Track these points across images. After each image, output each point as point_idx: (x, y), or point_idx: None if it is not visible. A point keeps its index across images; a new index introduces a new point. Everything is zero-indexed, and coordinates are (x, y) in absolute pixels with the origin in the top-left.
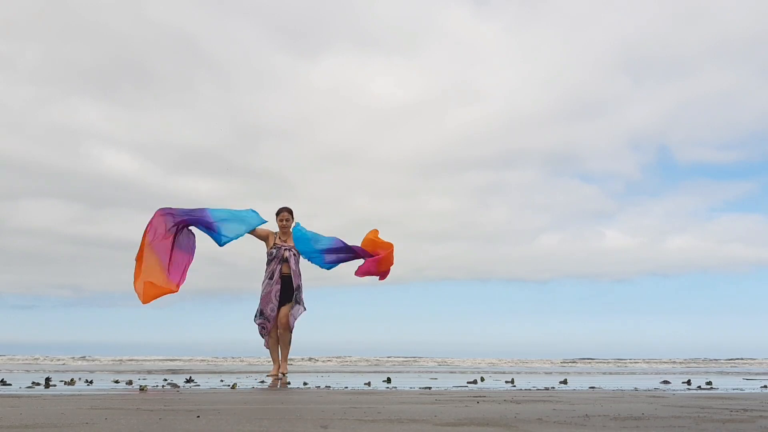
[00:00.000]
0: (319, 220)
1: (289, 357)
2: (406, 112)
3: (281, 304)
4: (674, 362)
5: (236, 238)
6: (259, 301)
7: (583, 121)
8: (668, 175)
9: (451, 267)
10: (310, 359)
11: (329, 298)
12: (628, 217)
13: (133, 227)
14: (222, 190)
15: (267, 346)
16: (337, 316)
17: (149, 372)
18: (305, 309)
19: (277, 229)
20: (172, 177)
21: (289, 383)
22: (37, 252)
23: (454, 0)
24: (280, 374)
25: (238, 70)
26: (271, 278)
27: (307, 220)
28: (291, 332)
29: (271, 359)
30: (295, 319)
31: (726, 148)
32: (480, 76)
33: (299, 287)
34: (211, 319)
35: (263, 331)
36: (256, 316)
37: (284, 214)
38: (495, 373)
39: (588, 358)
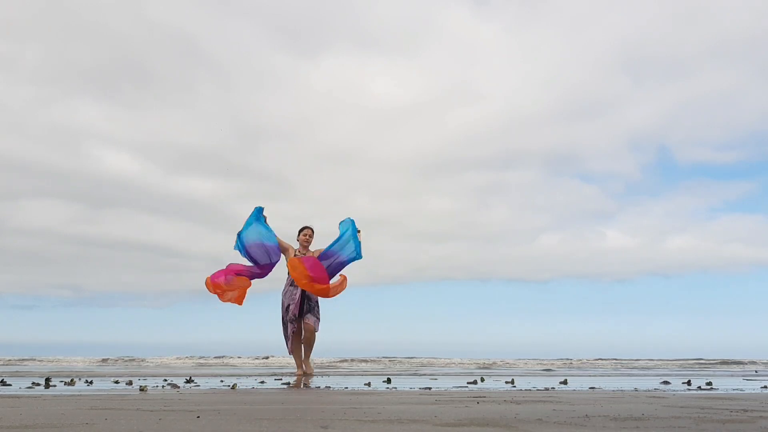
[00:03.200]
0: (320, 221)
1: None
2: (406, 112)
3: (302, 310)
4: (674, 362)
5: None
6: (281, 307)
7: (583, 121)
8: (668, 176)
9: (451, 267)
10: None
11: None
12: (629, 217)
13: (133, 227)
14: (222, 191)
15: (291, 350)
16: (336, 315)
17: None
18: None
19: (296, 246)
20: (173, 177)
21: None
22: (37, 252)
23: (454, 0)
24: (302, 373)
25: (239, 71)
26: (291, 285)
27: (307, 220)
28: (314, 334)
29: (295, 364)
30: (318, 323)
31: (726, 148)
32: (480, 77)
33: (317, 301)
34: (211, 319)
35: (290, 334)
36: (285, 322)
37: (308, 230)
38: (495, 374)
39: (589, 358)
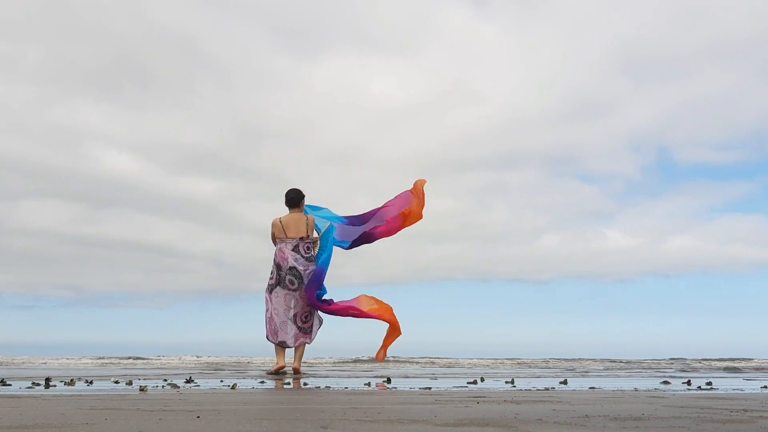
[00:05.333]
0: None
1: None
2: (407, 112)
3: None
4: (674, 362)
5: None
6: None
7: (583, 122)
8: (668, 176)
9: (451, 267)
10: (310, 359)
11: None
12: (629, 217)
13: (133, 228)
14: (223, 191)
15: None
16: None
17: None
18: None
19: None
20: (173, 178)
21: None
22: (37, 252)
23: (455, 1)
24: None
25: (239, 71)
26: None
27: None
28: None
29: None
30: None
31: (726, 149)
32: (480, 77)
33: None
34: (211, 319)
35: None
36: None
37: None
38: (495, 374)
39: (589, 359)
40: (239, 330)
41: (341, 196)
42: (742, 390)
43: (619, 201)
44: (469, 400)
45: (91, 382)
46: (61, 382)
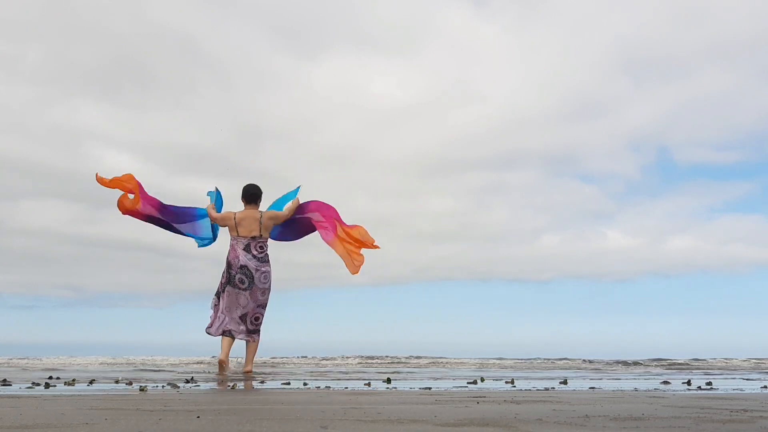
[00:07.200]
0: None
1: (295, 357)
2: (407, 112)
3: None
4: (674, 362)
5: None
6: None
7: (583, 122)
8: (668, 176)
9: (451, 267)
10: (308, 358)
11: (328, 297)
12: (629, 217)
13: (133, 227)
14: (223, 191)
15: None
16: (336, 316)
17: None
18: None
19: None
20: (173, 178)
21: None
22: (37, 252)
23: (455, 1)
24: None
25: (239, 71)
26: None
27: None
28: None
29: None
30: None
31: (726, 149)
32: (480, 77)
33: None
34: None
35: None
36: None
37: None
38: (495, 375)
39: (590, 359)
40: None
41: (341, 196)
42: (742, 390)
43: (619, 201)
44: (469, 400)
45: (91, 382)
46: (62, 382)
